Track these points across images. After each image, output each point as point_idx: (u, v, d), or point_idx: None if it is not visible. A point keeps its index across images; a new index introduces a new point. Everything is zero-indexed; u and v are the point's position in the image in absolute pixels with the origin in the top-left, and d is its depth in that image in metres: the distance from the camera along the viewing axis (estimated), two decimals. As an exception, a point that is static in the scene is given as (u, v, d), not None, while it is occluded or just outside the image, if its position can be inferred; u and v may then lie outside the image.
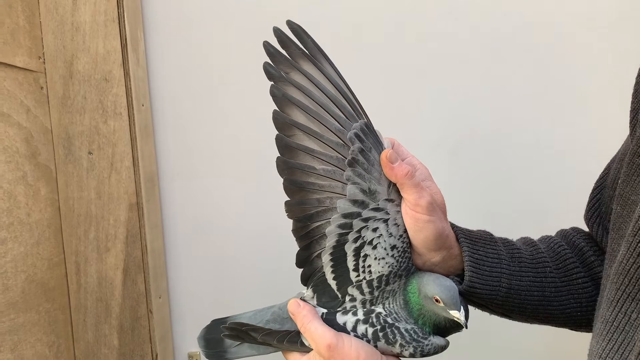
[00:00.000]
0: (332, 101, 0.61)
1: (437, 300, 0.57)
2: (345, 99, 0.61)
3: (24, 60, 1.09)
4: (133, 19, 1.17)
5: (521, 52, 1.17)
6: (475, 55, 1.18)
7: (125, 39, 1.15)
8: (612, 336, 0.53)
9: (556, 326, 0.73)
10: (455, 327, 0.61)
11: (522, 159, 1.20)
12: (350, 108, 0.61)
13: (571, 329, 0.74)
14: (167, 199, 1.26)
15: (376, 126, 0.63)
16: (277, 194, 1.25)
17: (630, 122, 0.63)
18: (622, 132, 0.69)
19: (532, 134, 1.19)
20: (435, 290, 0.58)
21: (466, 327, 0.58)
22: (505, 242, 0.71)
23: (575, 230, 0.76)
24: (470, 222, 1.22)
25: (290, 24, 0.61)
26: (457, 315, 0.57)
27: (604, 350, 0.53)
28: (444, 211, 0.64)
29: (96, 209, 1.19)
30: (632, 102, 0.62)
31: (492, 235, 0.71)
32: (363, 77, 1.21)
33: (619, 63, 1.15)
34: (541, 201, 1.19)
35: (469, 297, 0.67)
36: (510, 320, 0.73)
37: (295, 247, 0.63)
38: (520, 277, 0.68)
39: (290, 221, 0.65)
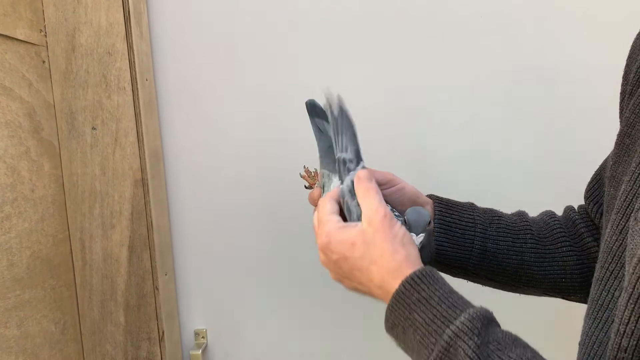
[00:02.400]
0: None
1: (405, 222, 0.63)
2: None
3: (25, 32, 1.07)
4: (136, -10, 1.15)
5: (534, 35, 1.15)
6: (488, 35, 1.16)
7: (129, 12, 1.13)
8: (597, 314, 0.52)
9: (546, 293, 0.76)
10: None
11: (535, 141, 1.18)
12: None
13: (563, 297, 0.77)
14: (172, 174, 1.25)
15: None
16: (284, 170, 1.24)
17: (620, 104, 0.65)
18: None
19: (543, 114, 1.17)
20: (408, 212, 0.64)
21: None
22: (488, 210, 0.76)
23: (579, 207, 0.79)
24: (480, 195, 1.21)
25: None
26: (414, 237, 0.61)
27: (590, 328, 0.53)
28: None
29: (100, 185, 1.17)
30: (622, 85, 0.64)
31: (473, 204, 0.76)
32: (376, 51, 1.19)
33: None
34: (551, 179, 1.18)
35: (442, 261, 0.72)
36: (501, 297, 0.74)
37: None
38: (497, 241, 0.72)
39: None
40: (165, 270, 1.23)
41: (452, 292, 0.55)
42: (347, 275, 0.61)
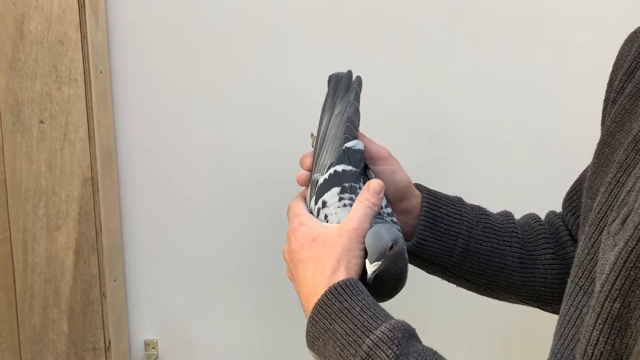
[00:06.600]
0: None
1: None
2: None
3: (-33, 15, 1.01)
4: (92, -24, 1.10)
5: (512, 41, 1.12)
6: (468, 41, 1.13)
7: (83, -2, 1.09)
8: (564, 331, 0.51)
9: (522, 301, 0.75)
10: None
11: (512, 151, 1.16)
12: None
13: (539, 307, 0.75)
14: (125, 174, 1.20)
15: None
16: (243, 170, 1.20)
17: (603, 112, 0.64)
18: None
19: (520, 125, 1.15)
20: (368, 236, 0.59)
21: (368, 279, 0.59)
22: (476, 207, 0.75)
23: (561, 213, 0.78)
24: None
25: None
26: (367, 265, 0.57)
27: (557, 345, 0.51)
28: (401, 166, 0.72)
29: (47, 183, 1.13)
30: (606, 92, 0.64)
31: (461, 199, 0.74)
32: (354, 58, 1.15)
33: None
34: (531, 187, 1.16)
35: (421, 254, 0.70)
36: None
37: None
38: (481, 241, 0.71)
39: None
40: (115, 276, 1.19)
41: (374, 303, 0.55)
42: (294, 267, 0.62)
